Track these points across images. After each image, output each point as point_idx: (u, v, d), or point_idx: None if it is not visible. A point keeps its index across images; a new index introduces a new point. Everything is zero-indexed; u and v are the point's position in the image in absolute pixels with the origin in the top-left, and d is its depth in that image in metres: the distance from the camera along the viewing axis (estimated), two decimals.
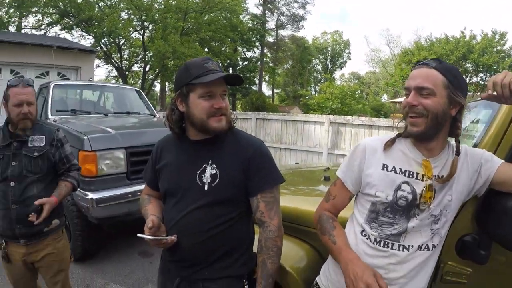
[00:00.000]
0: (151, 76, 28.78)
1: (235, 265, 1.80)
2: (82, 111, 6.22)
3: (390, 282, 1.56)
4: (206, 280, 1.76)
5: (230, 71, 40.60)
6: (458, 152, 1.55)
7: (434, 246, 1.61)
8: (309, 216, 2.12)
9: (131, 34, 26.06)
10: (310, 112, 28.57)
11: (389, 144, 1.62)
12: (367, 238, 1.63)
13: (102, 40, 25.34)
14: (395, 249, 1.58)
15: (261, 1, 42.91)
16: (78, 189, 4.17)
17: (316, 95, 40.29)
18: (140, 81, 28.30)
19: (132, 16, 25.06)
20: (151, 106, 7.39)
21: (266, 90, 54.66)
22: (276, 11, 44.62)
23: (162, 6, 25.19)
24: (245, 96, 37.69)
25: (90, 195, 4.25)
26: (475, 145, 1.90)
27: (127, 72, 28.98)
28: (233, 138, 1.81)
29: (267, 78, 51.19)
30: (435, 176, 1.55)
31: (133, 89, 7.75)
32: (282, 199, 2.36)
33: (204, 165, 1.76)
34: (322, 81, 50.65)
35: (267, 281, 1.71)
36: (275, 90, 56.04)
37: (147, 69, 27.47)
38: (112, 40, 25.57)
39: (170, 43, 23.16)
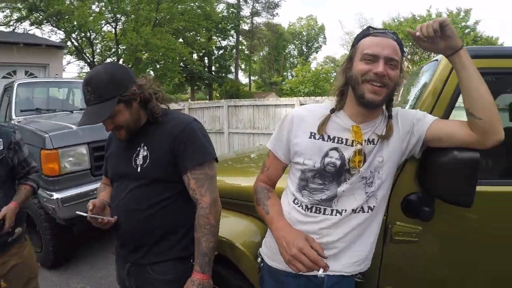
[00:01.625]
0: None
1: (176, 247, 1.83)
2: (48, 110, 6.03)
3: (326, 247, 1.58)
4: (153, 264, 1.81)
5: (206, 61, 40.33)
6: (390, 116, 1.62)
7: (370, 208, 1.63)
8: (247, 191, 2.23)
9: (103, 27, 25.61)
10: (284, 97, 28.88)
11: (324, 123, 1.60)
12: (299, 206, 1.67)
13: (73, 35, 24.50)
14: (328, 214, 1.62)
15: None
16: (44, 190, 4.06)
17: (293, 79, 40.53)
18: None
19: (103, 9, 24.52)
20: None
21: (243, 78, 54.64)
22: None
23: None
24: (221, 84, 37.58)
25: (55, 195, 4.08)
26: (413, 106, 1.98)
27: None
28: (165, 119, 1.84)
29: (243, 66, 51.12)
30: (365, 140, 1.59)
31: None
32: (237, 179, 2.53)
33: (138, 149, 1.82)
34: (298, 66, 50.76)
35: (203, 259, 1.71)
36: (252, 78, 56.08)
37: (120, 63, 27.06)
38: (83, 34, 24.88)
39: (142, 35, 22.82)
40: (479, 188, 1.64)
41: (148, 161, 1.78)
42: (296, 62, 58.01)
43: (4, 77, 11.53)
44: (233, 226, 2.04)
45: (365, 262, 1.68)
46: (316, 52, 60.63)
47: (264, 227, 2.16)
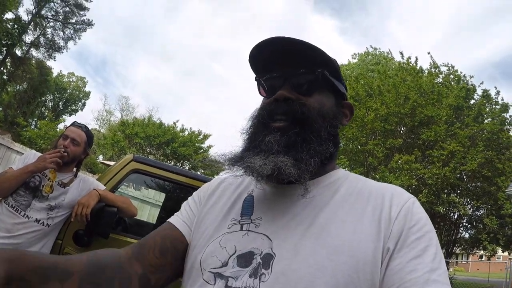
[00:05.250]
0: None
1: None
2: None
3: (15, 237, 2.45)
4: None
5: None
6: (75, 175, 2.83)
7: (48, 225, 2.56)
8: None
9: None
10: (19, 143, 27.90)
11: None
12: (7, 204, 2.53)
13: None
14: (21, 215, 2.48)
15: (34, 11, 40.45)
16: None
17: (35, 130, 38.80)
18: None
19: None
20: None
21: None
22: (40, 27, 42.17)
23: None
24: None
25: None
26: None
27: None
28: None
29: None
30: (57, 181, 2.67)
31: None
32: None
33: None
34: (46, 119, 48.45)
35: None
36: None
37: None
38: None
39: None
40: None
41: None
42: (46, 114, 55.25)
43: None
44: None
45: None
46: (70, 115, 58.11)
47: None
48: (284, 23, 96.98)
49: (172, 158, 30.69)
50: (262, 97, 1.08)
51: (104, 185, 2.99)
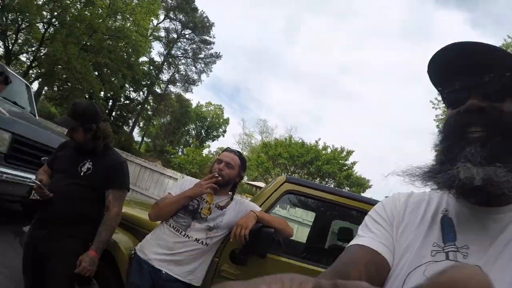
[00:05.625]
0: (32, 73, 26.95)
1: (81, 230, 2.74)
2: None
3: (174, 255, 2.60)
4: (67, 237, 2.68)
5: (110, 103, 40.17)
6: (231, 198, 2.84)
7: (207, 244, 2.65)
8: (137, 220, 3.36)
9: (37, 22, 24.60)
10: (169, 169, 29.32)
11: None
12: (168, 225, 2.69)
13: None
14: (182, 235, 2.62)
15: (165, 52, 44.53)
16: None
17: (183, 156, 41.29)
18: (20, 71, 25.86)
19: (46, 6, 23.95)
20: (34, 105, 7.24)
21: (136, 136, 54.30)
22: (174, 66, 46.51)
23: (76, 13, 24.67)
24: (116, 133, 37.41)
25: None
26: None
27: (12, 58, 25.47)
28: (107, 151, 2.89)
29: (141, 124, 51.24)
30: (214, 203, 2.76)
31: (24, 81, 7.39)
32: (132, 210, 3.55)
33: (84, 161, 2.79)
34: (191, 146, 51.75)
35: (98, 245, 2.65)
36: (145, 139, 56.07)
37: (33, 65, 25.76)
38: (17, 14, 22.62)
39: (68, 52, 22.82)
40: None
41: (90, 172, 2.73)
42: (190, 142, 59.00)
43: None
44: (119, 236, 3.06)
45: (193, 275, 2.63)
46: (212, 141, 62.73)
47: (135, 240, 3.19)
48: (409, 24, 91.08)
49: (316, 176, 30.55)
50: (449, 109, 0.97)
51: (259, 206, 3.08)
